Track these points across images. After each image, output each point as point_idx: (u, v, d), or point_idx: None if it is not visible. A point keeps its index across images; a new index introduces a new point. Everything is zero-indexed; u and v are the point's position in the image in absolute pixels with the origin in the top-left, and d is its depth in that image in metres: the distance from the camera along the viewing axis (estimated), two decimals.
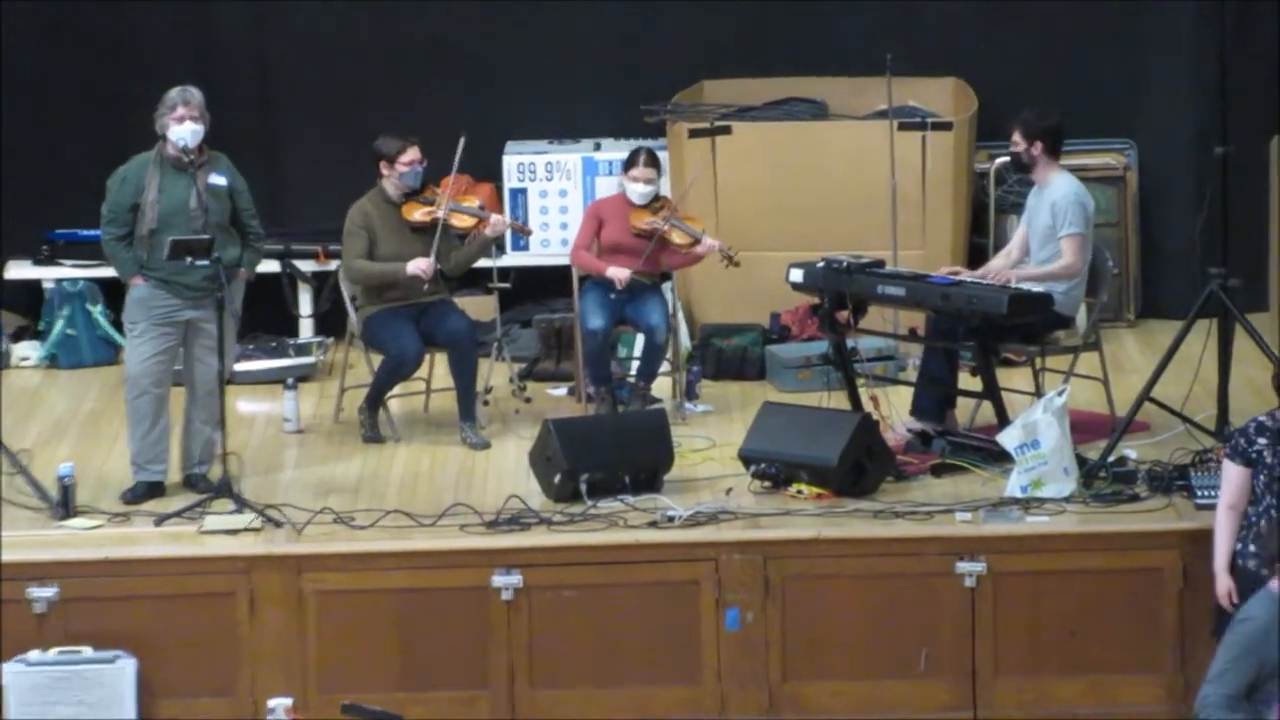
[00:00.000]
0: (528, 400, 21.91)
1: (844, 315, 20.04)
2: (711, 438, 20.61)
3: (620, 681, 18.50)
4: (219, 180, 19.10)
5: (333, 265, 21.28)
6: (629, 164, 21.29)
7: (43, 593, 18.15)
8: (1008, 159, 21.79)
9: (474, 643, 18.43)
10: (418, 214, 20.60)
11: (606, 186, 21.19)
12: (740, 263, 21.24)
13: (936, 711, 18.53)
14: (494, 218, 21.24)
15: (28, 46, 23.01)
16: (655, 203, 21.15)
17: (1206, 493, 17.92)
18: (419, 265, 20.38)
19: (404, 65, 22.93)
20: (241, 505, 18.93)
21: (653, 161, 21.28)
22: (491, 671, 18.45)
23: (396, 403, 21.22)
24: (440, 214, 20.62)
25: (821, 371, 20.71)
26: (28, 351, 22.93)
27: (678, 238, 21.03)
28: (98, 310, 22.46)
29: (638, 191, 21.11)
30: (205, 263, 18.74)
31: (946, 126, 22.35)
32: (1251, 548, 16.67)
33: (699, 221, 21.49)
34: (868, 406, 19.85)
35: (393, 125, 20.90)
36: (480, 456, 20.46)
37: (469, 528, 18.74)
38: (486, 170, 21.92)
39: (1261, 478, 16.65)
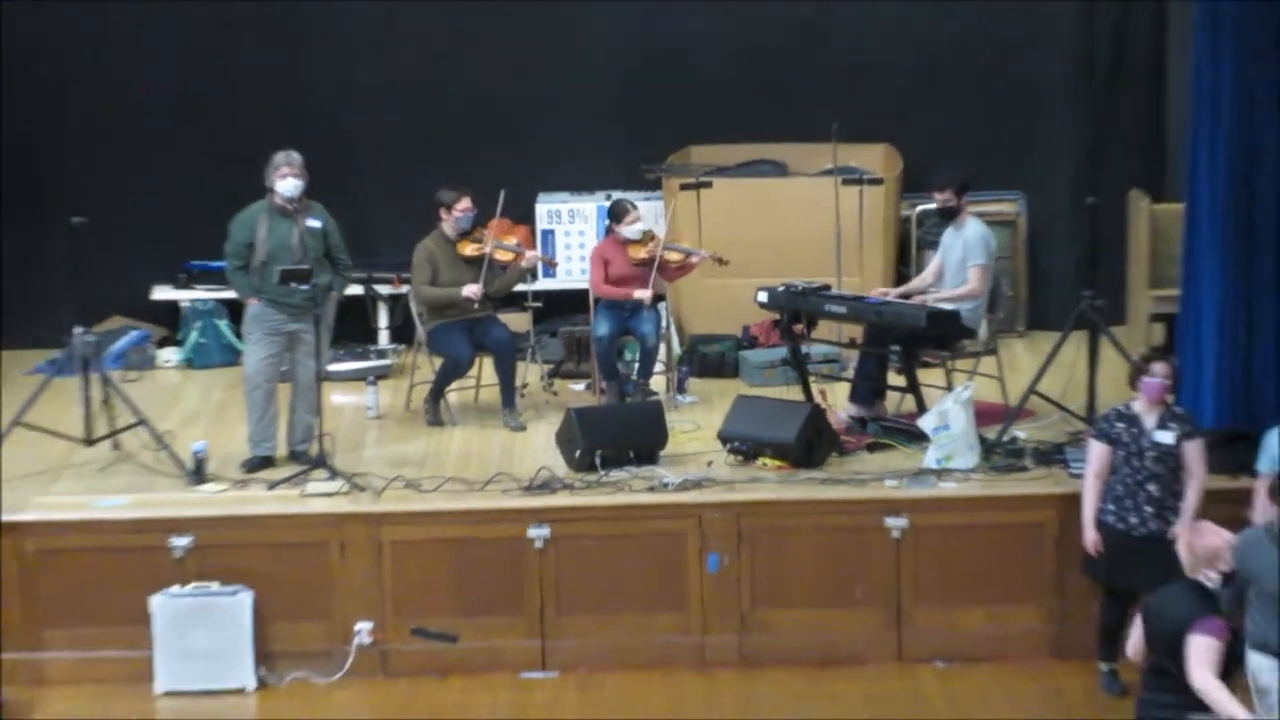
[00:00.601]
0: (554, 393, 22.00)
1: (799, 328, 20.40)
2: (697, 422, 20.74)
3: (625, 609, 18.71)
4: (315, 223, 19.39)
5: (404, 289, 21.38)
6: (619, 215, 21.33)
7: (181, 541, 18.34)
8: (927, 206, 22.08)
9: (513, 580, 18.64)
10: (469, 250, 20.69)
11: (614, 229, 21.31)
12: (729, 261, 21.38)
13: (870, 632, 18.70)
14: (528, 253, 21.37)
15: (162, 122, 22.98)
16: (644, 236, 21.24)
17: (1078, 465, 18.18)
18: (471, 289, 20.51)
19: (459, 131, 23.00)
20: (334, 474, 19.19)
21: (635, 208, 21.40)
22: (526, 602, 18.64)
23: (453, 395, 21.31)
24: (487, 250, 20.70)
25: (782, 371, 21.15)
26: (169, 356, 23.09)
27: (673, 256, 21.19)
28: (223, 324, 22.75)
29: (635, 230, 21.15)
30: (305, 287, 19.08)
31: (879, 182, 22.51)
32: (1110, 506, 17.07)
33: (687, 239, 21.71)
34: (817, 398, 20.16)
35: (450, 180, 20.95)
36: (518, 437, 20.67)
37: (509, 491, 18.95)
38: (522, 215, 21.79)
39: (1120, 453, 16.96)
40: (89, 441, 19.83)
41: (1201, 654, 13.62)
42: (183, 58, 22.98)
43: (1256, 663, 14.10)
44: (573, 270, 22.70)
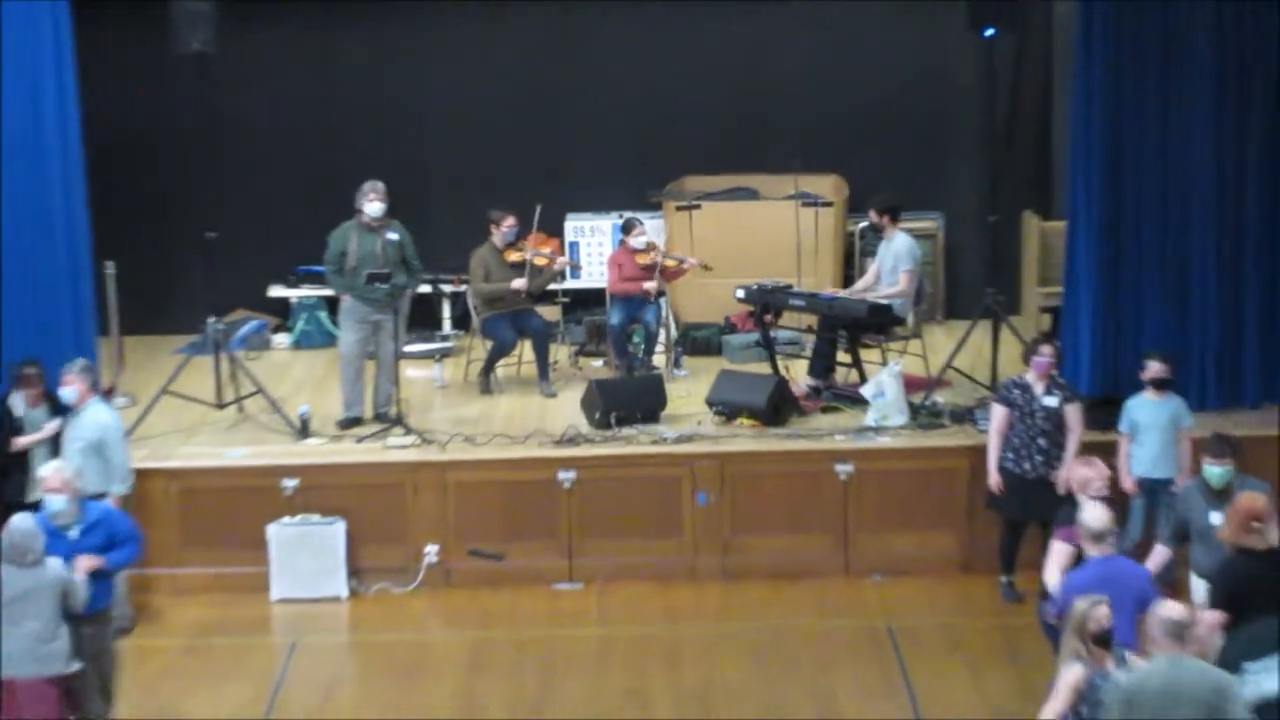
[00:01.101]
0: (579, 368, 22.02)
1: (768, 317, 20.77)
2: (689, 390, 20.79)
3: (633, 535, 19.00)
4: (393, 236, 19.64)
5: (463, 288, 21.49)
6: (629, 229, 21.36)
7: (290, 482, 18.70)
8: (866, 224, 22.09)
9: (546, 512, 18.94)
10: (513, 256, 20.84)
11: (622, 242, 21.26)
12: (712, 267, 21.44)
13: (822, 553, 18.97)
14: (559, 259, 21.66)
15: (276, 156, 22.90)
16: (648, 246, 21.35)
17: (984, 423, 18.30)
18: (518, 283, 20.69)
19: (506, 164, 22.83)
20: (408, 431, 19.45)
21: (641, 224, 21.52)
22: (557, 529, 18.96)
23: (500, 371, 21.40)
24: (527, 256, 20.84)
25: (755, 350, 21.22)
26: (281, 340, 23.20)
27: (670, 262, 21.24)
28: (323, 315, 22.83)
29: (641, 241, 21.25)
30: (385, 286, 19.43)
31: (829, 205, 22.44)
32: (1009, 455, 17.35)
33: (681, 249, 21.79)
34: (783, 372, 20.47)
35: (498, 203, 21.07)
36: (550, 402, 20.80)
37: (543, 444, 19.28)
38: (554, 230, 22.30)
39: (1016, 414, 17.26)
40: (219, 406, 20.11)
41: (1056, 554, 14.14)
42: (295, 107, 22.95)
43: (1195, 584, 14.46)
44: (593, 273, 22.62)
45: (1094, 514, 13.51)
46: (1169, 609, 11.74)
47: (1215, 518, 14.27)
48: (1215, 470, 14.63)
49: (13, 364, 17.59)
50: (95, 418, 17.11)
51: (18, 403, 17.42)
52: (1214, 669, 11.80)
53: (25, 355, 17.68)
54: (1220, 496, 14.41)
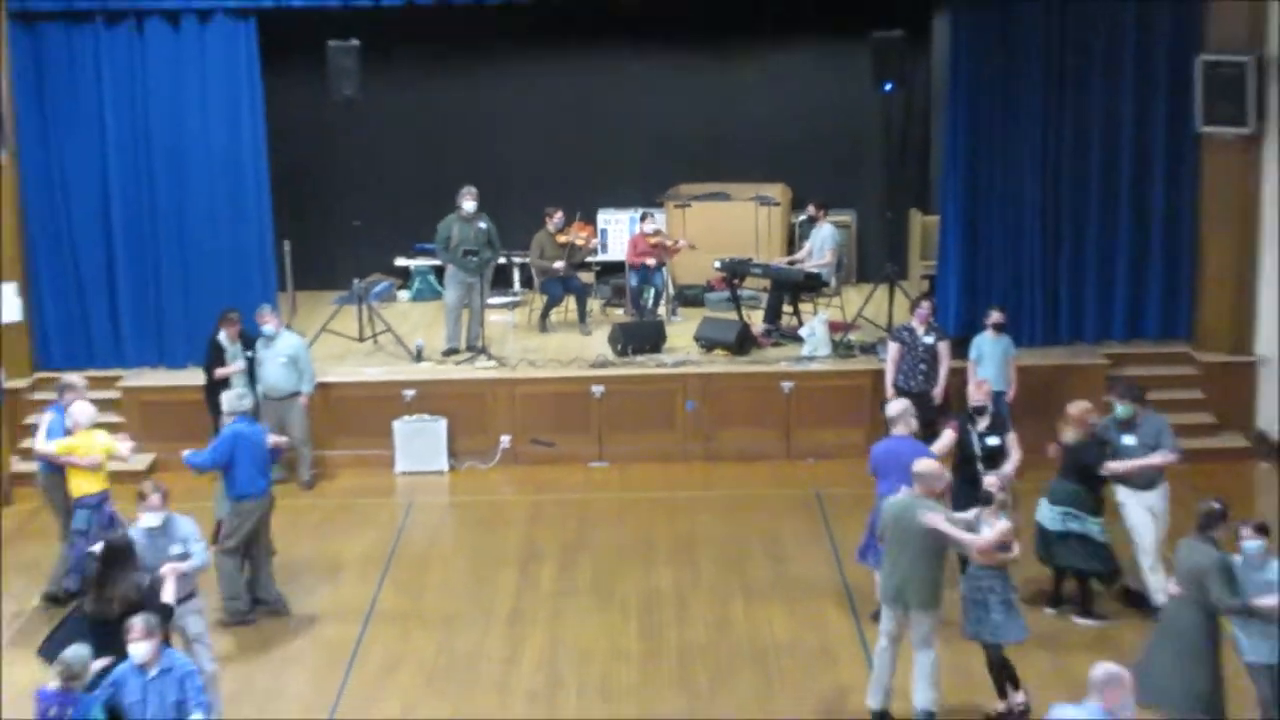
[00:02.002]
0: (606, 315, 21.41)
1: (736, 281, 20.63)
2: (682, 331, 20.24)
3: (644, 430, 18.92)
4: (482, 224, 19.48)
5: (526, 260, 21.19)
6: (642, 219, 21.00)
7: (409, 392, 18.75)
8: (803, 217, 21.66)
9: (584, 413, 18.90)
10: (561, 239, 20.51)
11: (638, 229, 20.92)
12: (697, 246, 20.87)
13: (772, 442, 18.83)
14: (592, 241, 21.39)
15: (404, 167, 22.22)
16: (655, 232, 20.87)
17: (883, 355, 17.94)
18: (558, 265, 20.38)
19: (558, 174, 22.01)
20: (490, 357, 19.40)
21: (651, 216, 21.12)
22: (591, 425, 18.89)
23: (554, 316, 20.97)
24: (571, 239, 20.57)
25: (727, 304, 20.81)
26: (403, 295, 22.52)
27: (669, 243, 20.73)
28: (432, 278, 22.18)
29: (650, 228, 20.81)
30: (475, 259, 19.39)
31: (778, 204, 21.97)
32: (901, 377, 16.94)
33: (676, 234, 21.17)
34: (745, 318, 20.23)
35: (551, 201, 20.74)
36: (587, 339, 20.40)
37: (582, 367, 19.21)
38: (590, 219, 21.56)
39: (905, 349, 17.07)
40: (360, 339, 19.98)
41: (943, 439, 14.30)
42: (413, 133, 22.22)
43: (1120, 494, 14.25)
44: (617, 251, 21.90)
45: (892, 406, 14.14)
46: (922, 464, 12.28)
47: (1128, 439, 14.08)
48: (1120, 408, 14.19)
49: (220, 311, 17.72)
50: (289, 341, 17.66)
51: (224, 339, 17.57)
52: (929, 504, 12.04)
53: (229, 306, 17.83)
54: (1126, 425, 14.13)
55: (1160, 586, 13.64)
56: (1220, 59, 18.19)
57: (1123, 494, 14.26)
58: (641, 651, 14.09)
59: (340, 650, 14.14)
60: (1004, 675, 12.38)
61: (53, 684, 9.89)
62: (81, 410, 14.35)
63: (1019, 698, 12.40)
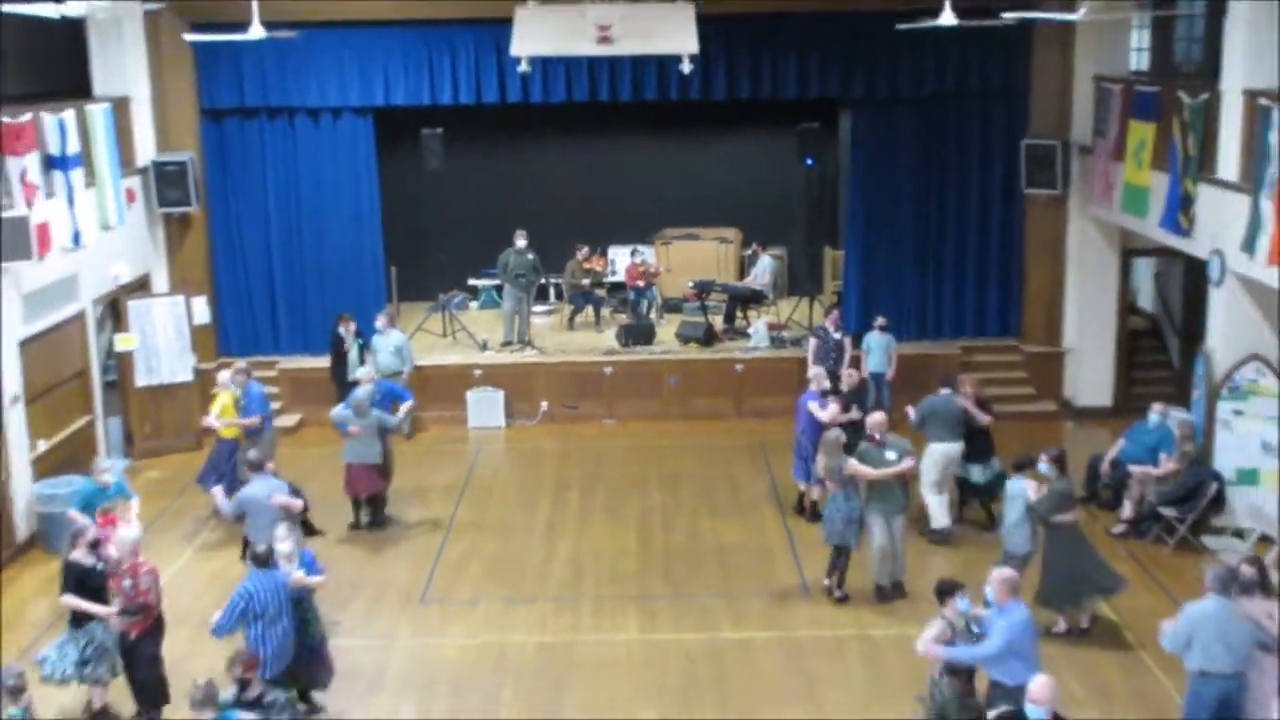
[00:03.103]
0: (614, 318, 20.55)
1: (704, 295, 20.21)
2: (666, 330, 19.86)
3: (640, 398, 18.67)
4: (530, 256, 19.17)
5: (559, 280, 20.82)
6: (633, 254, 20.64)
7: (477, 372, 18.56)
8: (749, 251, 21.05)
9: (597, 385, 18.68)
10: (585, 266, 20.25)
11: (634, 258, 20.82)
12: (672, 270, 20.72)
13: (728, 407, 18.62)
14: (605, 267, 20.90)
15: (471, 210, 21.27)
16: (644, 262, 20.50)
17: (806, 347, 17.51)
18: (585, 282, 20.24)
19: (581, 222, 21.09)
20: (534, 348, 19.18)
21: (637, 252, 20.77)
22: (603, 393, 18.67)
23: (577, 319, 20.54)
24: (591, 265, 20.38)
25: (698, 311, 20.10)
26: (474, 304, 21.62)
27: (655, 271, 20.39)
28: (494, 293, 21.13)
29: (640, 259, 20.47)
30: (524, 280, 19.17)
31: (731, 242, 21.37)
32: (818, 363, 16.52)
33: (661, 264, 20.81)
34: (710, 321, 19.76)
35: (577, 240, 20.43)
36: (600, 335, 19.88)
37: (597, 353, 18.99)
38: (603, 251, 20.91)
39: (821, 343, 16.94)
40: (443, 336, 19.60)
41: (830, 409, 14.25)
42: (481, 191, 21.42)
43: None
44: (620, 274, 21.14)
45: (812, 370, 14.86)
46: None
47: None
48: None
49: (338, 314, 17.69)
50: (396, 336, 17.38)
51: (342, 331, 17.44)
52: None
53: (342, 311, 17.84)
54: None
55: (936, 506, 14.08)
56: (1038, 142, 18.25)
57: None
58: (638, 550, 14.21)
59: (429, 551, 14.24)
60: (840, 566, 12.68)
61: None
62: (221, 378, 14.94)
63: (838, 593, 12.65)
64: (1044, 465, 11.77)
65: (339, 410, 14.58)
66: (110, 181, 16.36)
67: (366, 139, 19.07)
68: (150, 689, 10.37)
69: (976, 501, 14.45)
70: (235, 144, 18.90)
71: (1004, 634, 8.96)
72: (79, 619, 10.28)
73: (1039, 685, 7.96)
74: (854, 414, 14.30)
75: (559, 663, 11.54)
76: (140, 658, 10.28)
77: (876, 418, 13.03)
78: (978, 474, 14.19)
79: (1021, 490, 11.65)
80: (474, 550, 14.22)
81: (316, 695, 10.62)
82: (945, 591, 9.39)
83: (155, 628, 10.40)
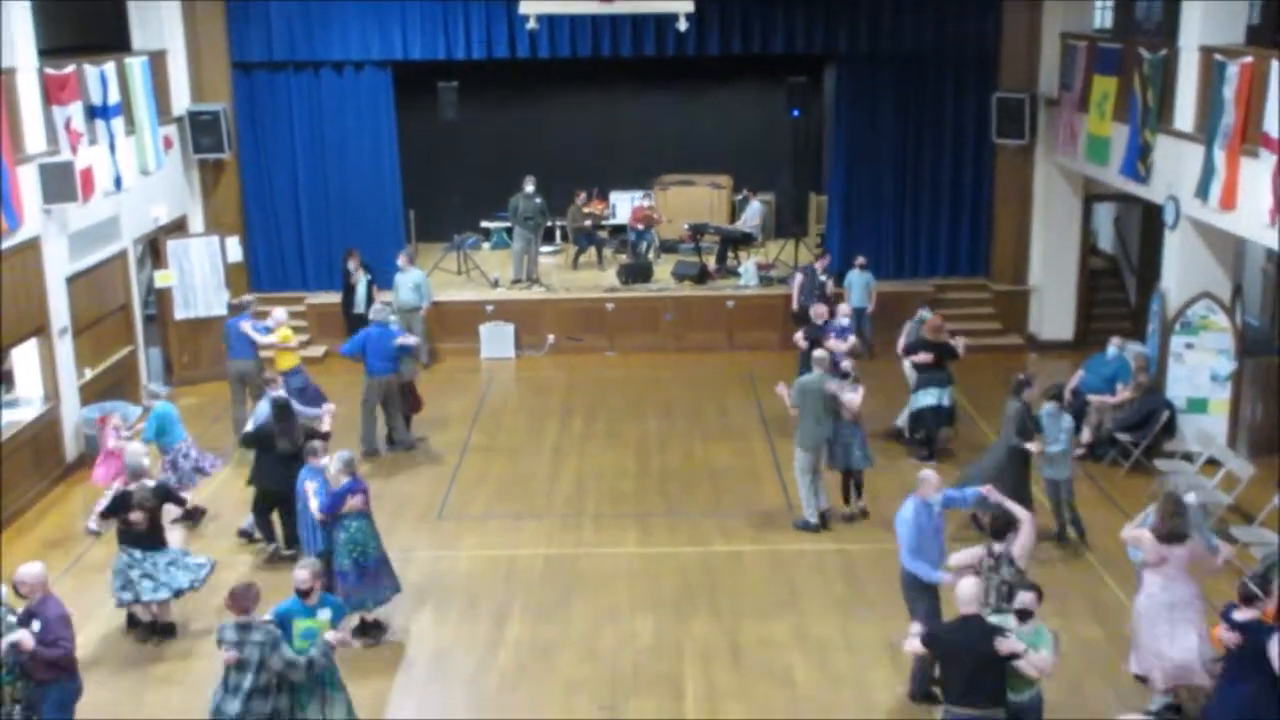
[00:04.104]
0: (615, 259, 20.16)
1: (699, 237, 20.04)
2: (663, 268, 19.64)
3: (639, 331, 18.56)
4: (537, 200, 18.95)
5: (564, 222, 20.46)
6: (644, 197, 20.53)
7: (489, 307, 18.46)
8: (740, 196, 20.69)
9: (600, 319, 18.57)
10: (586, 209, 20.10)
11: (635, 203, 20.77)
12: (671, 220, 20.45)
13: (720, 340, 18.54)
14: (606, 211, 20.85)
15: (491, 161, 20.88)
16: (647, 207, 20.17)
17: (792, 284, 17.16)
18: (586, 224, 20.01)
19: (586, 167, 20.82)
20: (542, 285, 19.04)
21: (648, 196, 20.76)
22: (606, 326, 18.59)
23: (580, 259, 20.23)
24: (593, 209, 20.24)
25: (693, 251, 19.96)
26: (486, 245, 21.12)
27: (654, 214, 20.06)
28: (505, 234, 20.58)
29: (646, 204, 20.25)
30: (533, 223, 18.97)
31: (724, 188, 21.06)
32: (802, 297, 16.58)
33: (660, 208, 20.53)
34: (704, 260, 19.67)
35: (580, 185, 20.23)
36: (602, 273, 19.68)
37: (600, 290, 18.85)
38: (604, 196, 20.69)
39: (806, 279, 16.83)
40: (458, 274, 19.48)
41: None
42: (493, 139, 21.04)
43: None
44: (622, 217, 20.72)
45: (819, 354, 13.10)
46: (818, 354, 12.42)
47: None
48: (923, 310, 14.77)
49: (346, 249, 17.71)
50: (415, 274, 17.26)
51: (350, 267, 17.44)
52: (829, 376, 12.14)
53: (353, 246, 17.84)
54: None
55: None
56: (1008, 95, 18.19)
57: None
58: (637, 472, 14.19)
59: (445, 471, 14.25)
60: (854, 487, 12.56)
61: (343, 479, 10.21)
62: (277, 316, 14.61)
63: (861, 503, 12.58)
64: (1048, 405, 11.78)
65: (397, 337, 14.40)
66: (149, 129, 16.34)
67: (386, 91, 18.89)
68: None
69: (935, 428, 14.27)
70: (264, 95, 18.75)
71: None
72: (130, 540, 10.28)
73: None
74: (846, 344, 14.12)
75: (564, 573, 11.61)
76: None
77: (818, 354, 12.85)
78: (931, 398, 13.96)
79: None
80: (486, 470, 14.22)
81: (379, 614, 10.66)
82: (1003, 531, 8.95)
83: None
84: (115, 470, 11.84)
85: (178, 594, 10.31)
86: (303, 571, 8.47)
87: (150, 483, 10.47)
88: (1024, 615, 7.94)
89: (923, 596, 9.21)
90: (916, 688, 9.29)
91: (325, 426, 12.06)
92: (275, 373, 13.67)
